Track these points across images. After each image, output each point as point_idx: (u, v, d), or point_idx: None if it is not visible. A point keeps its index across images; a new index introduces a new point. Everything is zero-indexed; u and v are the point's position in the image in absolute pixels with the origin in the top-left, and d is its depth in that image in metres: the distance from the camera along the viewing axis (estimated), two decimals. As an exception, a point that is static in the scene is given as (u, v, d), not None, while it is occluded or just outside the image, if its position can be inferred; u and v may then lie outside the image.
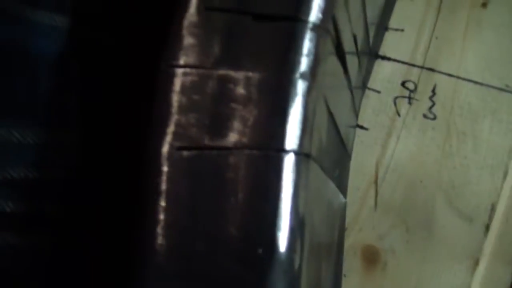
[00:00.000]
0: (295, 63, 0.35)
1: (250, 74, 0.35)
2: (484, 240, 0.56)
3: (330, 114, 0.42)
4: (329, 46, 0.38)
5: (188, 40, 0.36)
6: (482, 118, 0.58)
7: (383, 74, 0.60)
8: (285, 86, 0.35)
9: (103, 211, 0.43)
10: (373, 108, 0.60)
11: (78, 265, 0.42)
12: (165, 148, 0.35)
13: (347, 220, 0.57)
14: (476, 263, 0.56)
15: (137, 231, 0.34)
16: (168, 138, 0.35)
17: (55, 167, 0.42)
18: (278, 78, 0.35)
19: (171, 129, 0.35)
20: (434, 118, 0.59)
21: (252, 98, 0.35)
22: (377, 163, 0.58)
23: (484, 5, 0.61)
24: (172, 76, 0.36)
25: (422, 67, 0.60)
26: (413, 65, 0.60)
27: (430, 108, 0.59)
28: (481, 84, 0.59)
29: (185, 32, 0.37)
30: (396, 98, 0.59)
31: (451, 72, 0.59)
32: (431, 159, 0.58)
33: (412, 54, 0.60)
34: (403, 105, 0.59)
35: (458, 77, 0.59)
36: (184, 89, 0.36)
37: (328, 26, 0.37)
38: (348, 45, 0.45)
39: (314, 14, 0.36)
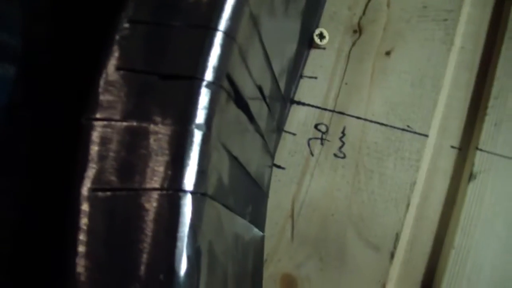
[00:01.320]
0: (192, 116, 0.41)
1: (155, 126, 0.41)
2: (390, 267, 0.62)
3: (234, 158, 0.48)
4: (225, 100, 0.44)
5: (104, 97, 0.42)
6: (387, 156, 0.64)
7: (298, 117, 0.66)
8: (183, 136, 0.41)
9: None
10: (289, 149, 0.66)
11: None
12: (83, 190, 0.40)
13: (267, 251, 0.62)
14: (384, 287, 0.61)
15: (60, 261, 0.40)
16: (86, 181, 0.41)
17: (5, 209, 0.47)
18: (177, 129, 0.41)
19: (88, 173, 0.41)
20: (344, 157, 0.65)
21: (155, 146, 0.41)
22: (293, 199, 0.64)
23: (388, 53, 0.67)
24: (90, 128, 0.42)
25: (333, 111, 0.66)
26: (325, 109, 0.66)
27: (340, 148, 0.65)
28: (386, 125, 0.65)
29: (101, 89, 0.43)
30: (310, 139, 0.65)
31: (359, 115, 0.66)
32: (342, 195, 0.64)
33: (325, 99, 0.67)
34: (316, 145, 0.65)
35: (366, 119, 0.65)
36: (99, 140, 0.41)
37: (223, 83, 0.43)
38: (251, 95, 0.51)
39: (209, 74, 0.42)
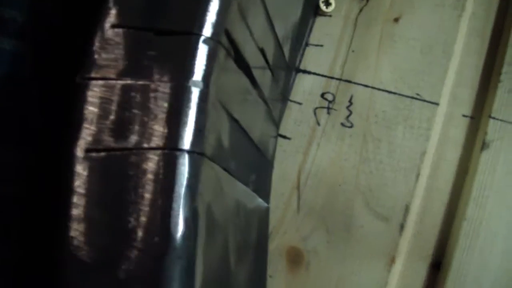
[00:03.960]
0: (189, 72, 0.39)
1: (150, 83, 0.39)
2: (399, 239, 0.60)
3: (234, 120, 0.46)
4: (224, 57, 0.42)
5: (98, 55, 0.40)
6: (396, 125, 0.62)
7: (304, 86, 0.64)
8: (180, 93, 0.39)
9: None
10: (294, 118, 0.64)
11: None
12: (77, 151, 0.39)
13: (273, 224, 0.61)
14: (393, 260, 0.59)
15: (53, 224, 0.38)
16: (80, 142, 0.39)
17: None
18: (173, 86, 0.39)
19: (82, 134, 0.39)
20: (351, 126, 0.63)
21: (151, 104, 0.39)
22: (299, 169, 0.62)
23: (396, 20, 0.65)
24: (84, 88, 0.40)
25: (340, 79, 0.64)
26: (332, 78, 0.64)
27: (348, 117, 0.63)
28: (394, 93, 0.63)
29: (96, 48, 0.41)
30: (316, 108, 0.63)
31: (366, 83, 0.63)
32: (350, 165, 0.62)
33: (331, 67, 0.65)
34: (323, 115, 0.63)
35: (373, 88, 0.63)
36: (93, 99, 0.40)
37: (222, 40, 0.41)
38: (253, 58, 0.49)
39: (207, 29, 0.40)
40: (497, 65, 0.63)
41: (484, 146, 0.59)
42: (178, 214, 0.37)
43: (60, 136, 0.41)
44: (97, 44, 0.41)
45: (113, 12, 0.41)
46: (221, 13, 0.41)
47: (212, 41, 0.40)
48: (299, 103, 0.64)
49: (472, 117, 0.62)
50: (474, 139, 0.61)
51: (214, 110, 0.41)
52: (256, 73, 0.50)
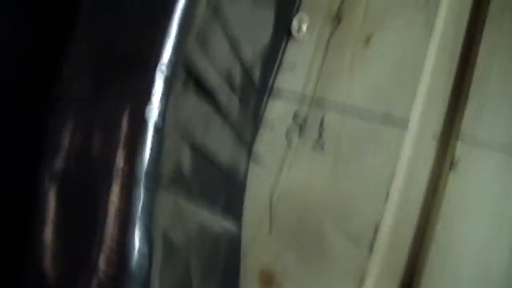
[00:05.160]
0: (144, 102, 0.40)
1: (109, 113, 0.40)
2: (369, 259, 0.60)
3: (196, 147, 0.47)
4: (182, 87, 0.43)
5: (68, 86, 0.42)
6: (366, 146, 0.63)
7: (277, 108, 0.65)
8: (136, 123, 0.40)
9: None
10: (267, 140, 0.65)
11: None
12: (42, 176, 0.40)
13: (245, 245, 0.61)
14: (362, 281, 0.60)
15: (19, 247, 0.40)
16: (46, 168, 0.40)
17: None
18: (130, 116, 0.40)
19: (49, 161, 0.40)
20: (322, 148, 0.63)
21: (109, 134, 0.40)
22: (271, 191, 0.63)
23: (367, 41, 0.66)
24: (53, 116, 0.41)
25: (311, 101, 0.65)
26: (304, 100, 0.65)
27: (319, 139, 0.64)
28: (364, 115, 0.64)
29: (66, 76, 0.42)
30: (288, 130, 0.64)
31: (337, 106, 0.64)
32: (320, 186, 0.63)
33: (303, 89, 0.66)
34: (294, 137, 0.64)
35: (344, 109, 0.64)
36: (61, 128, 0.41)
37: (179, 69, 0.42)
38: (217, 85, 0.50)
39: (165, 58, 0.41)
40: (466, 84, 0.63)
41: (452, 166, 0.60)
42: (133, 242, 0.38)
43: (27, 159, 0.42)
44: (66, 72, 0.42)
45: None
46: (179, 42, 0.42)
47: (169, 70, 0.41)
48: (272, 125, 0.65)
49: (441, 137, 0.63)
50: (443, 160, 0.62)
51: (171, 139, 0.42)
52: (221, 98, 0.51)
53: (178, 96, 0.42)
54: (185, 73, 0.43)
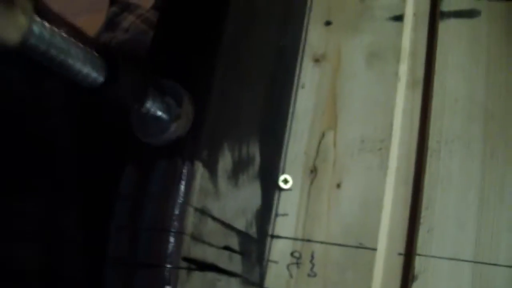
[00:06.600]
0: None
1: None
2: None
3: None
4: (186, 276, 0.64)
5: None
6: (346, 270, 0.82)
7: (278, 248, 0.86)
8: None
9: None
10: (274, 274, 0.85)
11: None
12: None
13: None
14: None
15: None
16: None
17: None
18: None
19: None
20: (315, 275, 0.83)
21: None
22: (280, 315, 0.83)
23: (338, 185, 0.86)
24: None
25: (302, 240, 0.85)
26: (296, 239, 0.85)
27: (312, 268, 0.83)
28: (343, 245, 0.83)
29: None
30: (288, 265, 0.85)
31: (322, 240, 0.84)
32: (317, 306, 0.82)
33: (295, 231, 0.86)
34: (293, 269, 0.84)
35: (327, 243, 0.84)
36: None
37: (180, 266, 0.63)
38: (218, 258, 0.71)
39: (169, 260, 0.63)
40: (418, 210, 0.82)
41: (414, 278, 0.79)
42: None
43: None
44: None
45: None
46: (176, 246, 0.63)
47: (172, 270, 0.62)
48: (276, 262, 0.85)
49: (404, 255, 0.82)
50: (407, 273, 0.81)
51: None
52: (223, 264, 0.72)
53: (184, 282, 0.64)
54: (187, 264, 0.64)
